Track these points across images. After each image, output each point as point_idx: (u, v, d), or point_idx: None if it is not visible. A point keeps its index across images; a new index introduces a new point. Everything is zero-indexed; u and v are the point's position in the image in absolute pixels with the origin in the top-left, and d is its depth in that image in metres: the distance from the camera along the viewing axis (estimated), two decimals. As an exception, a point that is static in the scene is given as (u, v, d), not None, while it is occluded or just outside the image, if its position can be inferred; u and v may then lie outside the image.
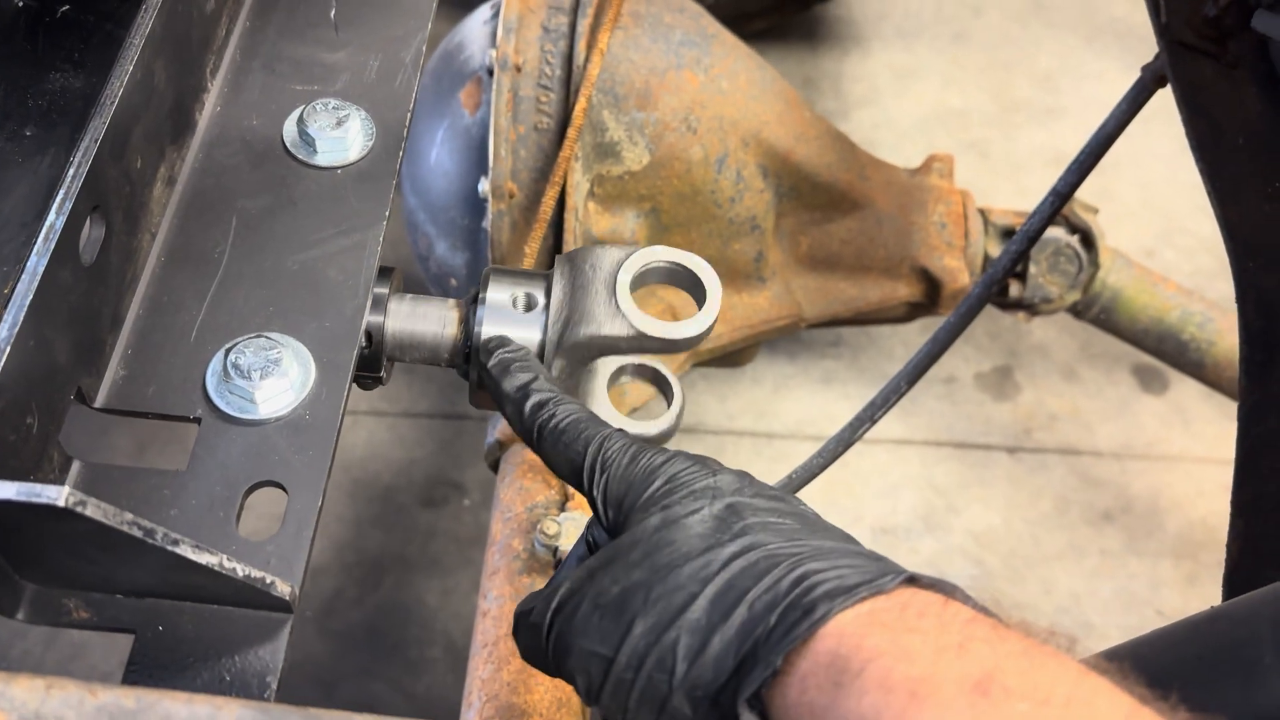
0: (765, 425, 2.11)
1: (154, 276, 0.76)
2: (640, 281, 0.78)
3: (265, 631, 0.64)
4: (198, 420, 0.71)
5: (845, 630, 0.50)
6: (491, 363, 0.74)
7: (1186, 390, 2.17)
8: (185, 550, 0.59)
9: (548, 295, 0.80)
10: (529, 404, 0.70)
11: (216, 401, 0.71)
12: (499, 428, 1.31)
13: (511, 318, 0.79)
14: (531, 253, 1.22)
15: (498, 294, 0.80)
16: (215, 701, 0.49)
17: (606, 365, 0.83)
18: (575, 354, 0.77)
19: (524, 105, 1.29)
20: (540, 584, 1.18)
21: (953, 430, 2.16)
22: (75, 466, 0.68)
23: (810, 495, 1.87)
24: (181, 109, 0.81)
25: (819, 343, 2.27)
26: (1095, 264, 1.53)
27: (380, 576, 1.87)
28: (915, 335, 2.31)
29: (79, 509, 0.55)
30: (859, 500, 2.05)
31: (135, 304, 0.75)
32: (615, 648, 0.56)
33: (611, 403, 0.82)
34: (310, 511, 0.68)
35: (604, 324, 0.75)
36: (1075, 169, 1.11)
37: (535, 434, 0.69)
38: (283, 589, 0.63)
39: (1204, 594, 2.09)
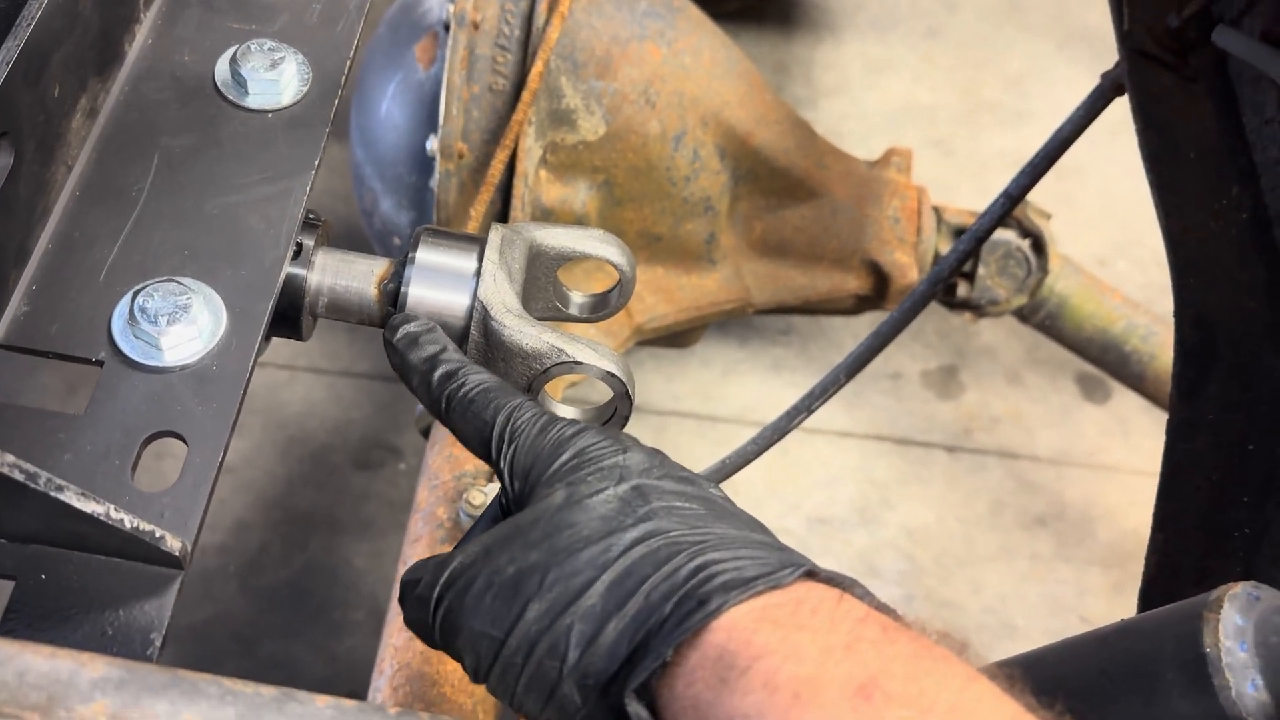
0: (710, 409, 2.10)
1: (67, 211, 0.73)
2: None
3: (153, 586, 0.62)
4: (100, 363, 0.68)
5: (737, 624, 0.49)
6: (397, 336, 0.71)
7: (1128, 402, 2.19)
8: (69, 497, 0.57)
9: (479, 260, 0.78)
10: (437, 374, 0.68)
11: (121, 345, 0.68)
12: (433, 392, 1.28)
13: (441, 279, 0.77)
14: (477, 216, 1.20)
15: (428, 255, 0.78)
16: (80, 657, 0.47)
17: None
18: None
19: (479, 64, 1.26)
20: (462, 554, 1.16)
21: (895, 426, 2.16)
22: (-37, 403, 0.65)
23: (751, 481, 1.86)
24: (109, 39, 0.78)
25: (770, 329, 2.26)
26: (1044, 269, 1.53)
27: (308, 536, 1.85)
28: (866, 327, 2.30)
29: (-47, 448, 0.52)
30: (799, 489, 2.04)
31: (44, 238, 0.71)
32: (506, 630, 0.55)
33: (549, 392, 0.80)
34: (210, 466, 0.66)
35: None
36: (1028, 172, 1.10)
37: (444, 405, 0.67)
38: (173, 544, 0.61)
39: (1129, 603, 2.11)
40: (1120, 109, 1.62)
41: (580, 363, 0.75)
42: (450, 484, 1.20)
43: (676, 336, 1.53)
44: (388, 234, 1.39)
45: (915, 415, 2.18)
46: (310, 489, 1.90)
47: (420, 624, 0.62)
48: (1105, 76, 1.05)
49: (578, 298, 0.86)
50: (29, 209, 0.70)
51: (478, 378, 0.67)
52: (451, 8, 1.25)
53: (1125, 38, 0.99)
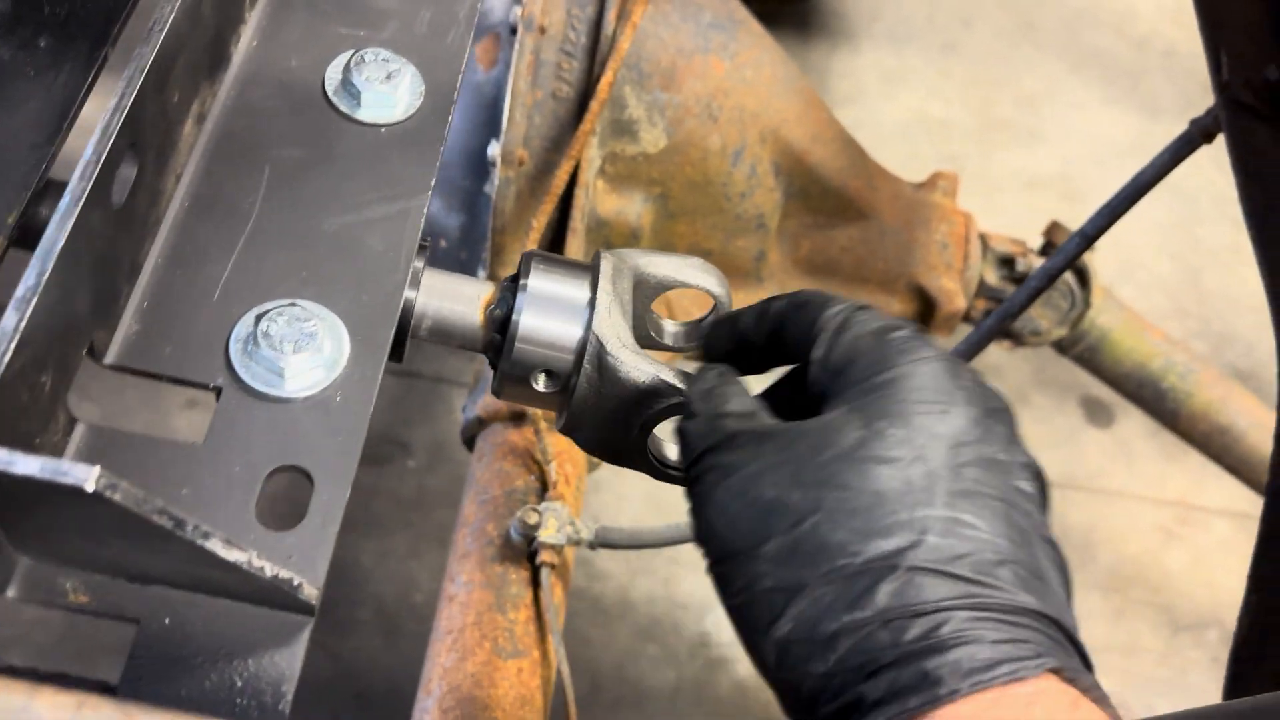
0: (720, 417, 2.08)
1: (176, 223, 0.69)
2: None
3: (282, 634, 0.59)
4: (217, 390, 0.64)
5: (960, 715, 0.46)
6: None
7: (1132, 426, 2.21)
8: (215, 546, 0.53)
9: (592, 290, 0.75)
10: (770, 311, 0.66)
11: (240, 371, 0.65)
12: (480, 403, 1.25)
13: (554, 307, 0.75)
14: (539, 226, 1.17)
15: (540, 282, 0.75)
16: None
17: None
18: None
19: (544, 70, 1.22)
20: (513, 574, 1.14)
21: (903, 442, 2.16)
22: (79, 430, 0.61)
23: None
24: (219, 40, 0.74)
25: (779, 338, 2.25)
26: (1087, 302, 1.53)
27: (315, 532, 1.80)
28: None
29: (109, 494, 0.49)
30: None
31: (154, 253, 0.68)
32: (738, 549, 0.53)
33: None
34: (338, 504, 0.63)
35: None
36: (1105, 213, 1.10)
37: (770, 320, 0.65)
38: (309, 592, 0.58)
39: (1130, 629, 2.14)
40: (1128, 134, 1.59)
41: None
42: (500, 499, 1.17)
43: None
44: (433, 235, 1.35)
45: (923, 432, 2.17)
46: (317, 484, 1.85)
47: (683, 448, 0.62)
48: (1194, 124, 1.05)
49: (671, 327, 0.84)
50: (144, 221, 0.66)
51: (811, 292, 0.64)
52: (519, 10, 1.21)
53: (1223, 87, 0.98)
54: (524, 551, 1.14)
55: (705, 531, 0.56)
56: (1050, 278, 1.12)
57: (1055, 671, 0.49)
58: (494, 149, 1.22)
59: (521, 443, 1.21)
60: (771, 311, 0.66)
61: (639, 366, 0.73)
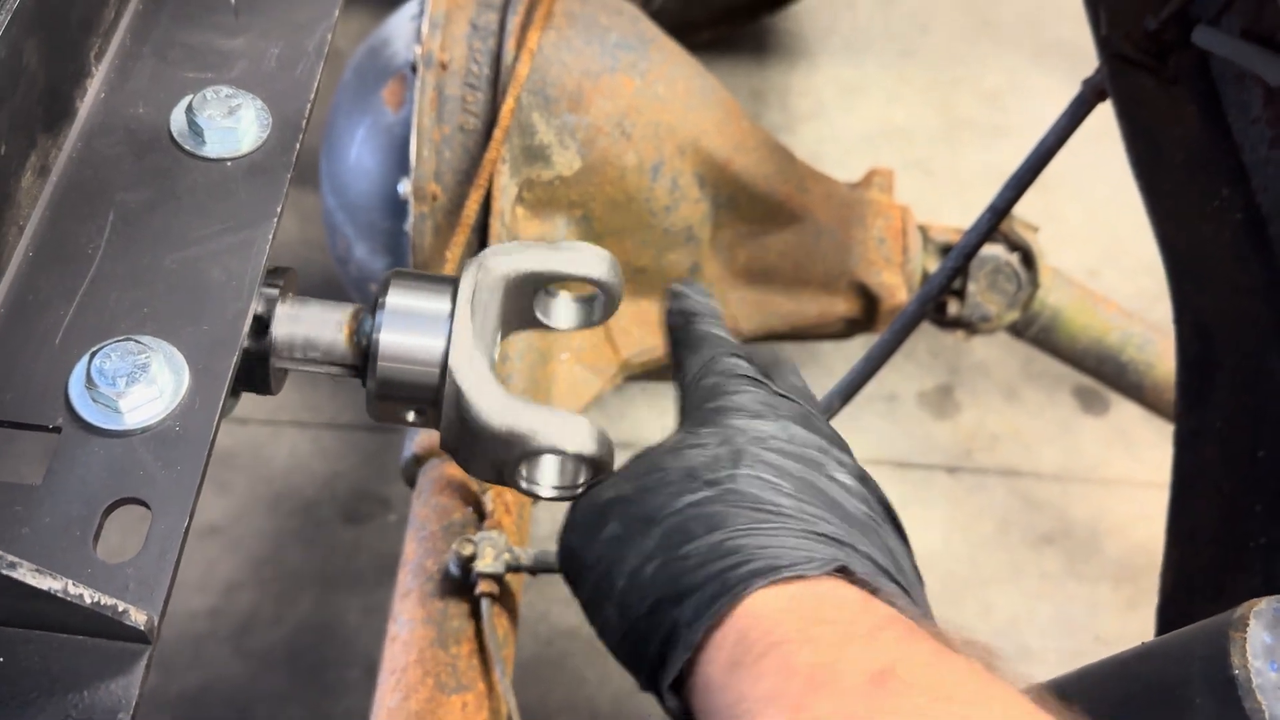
0: (704, 441, 2.07)
1: (19, 274, 0.70)
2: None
3: (120, 664, 0.58)
4: (57, 430, 0.65)
5: (759, 613, 0.50)
6: (674, 308, 0.74)
7: (1127, 412, 2.16)
8: (23, 575, 0.53)
9: (453, 302, 0.75)
10: (677, 309, 0.73)
11: (79, 410, 0.65)
12: (416, 441, 1.25)
13: (414, 323, 0.74)
14: (453, 259, 1.17)
15: (399, 299, 0.75)
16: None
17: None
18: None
19: (449, 104, 1.23)
20: (454, 609, 1.13)
21: (893, 449, 2.13)
22: (-85, 479, 0.62)
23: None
24: (58, 95, 0.75)
25: (761, 358, 2.24)
26: (1035, 283, 1.51)
27: (300, 594, 1.80)
28: (859, 352, 2.28)
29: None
30: (798, 519, 2.01)
31: (-5, 302, 0.68)
32: (583, 543, 0.59)
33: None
34: (176, 532, 0.62)
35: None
36: (1013, 184, 1.08)
37: (672, 336, 0.72)
38: (138, 618, 0.57)
39: (1143, 619, 2.08)
40: (1100, 120, 1.60)
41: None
42: (439, 534, 1.17)
43: (667, 369, 1.50)
44: (364, 281, 1.36)
45: (913, 437, 2.15)
46: (300, 545, 1.85)
47: None
48: (1086, 83, 1.04)
49: (562, 307, 0.83)
50: (-21, 273, 0.67)
51: (708, 323, 0.70)
52: (418, 49, 1.23)
53: (1104, 43, 0.97)
54: (464, 584, 1.13)
55: (562, 554, 0.61)
56: (966, 256, 1.11)
57: (848, 576, 0.52)
58: (404, 186, 1.23)
59: (459, 475, 1.20)
60: (673, 322, 0.73)
61: (494, 412, 0.71)
